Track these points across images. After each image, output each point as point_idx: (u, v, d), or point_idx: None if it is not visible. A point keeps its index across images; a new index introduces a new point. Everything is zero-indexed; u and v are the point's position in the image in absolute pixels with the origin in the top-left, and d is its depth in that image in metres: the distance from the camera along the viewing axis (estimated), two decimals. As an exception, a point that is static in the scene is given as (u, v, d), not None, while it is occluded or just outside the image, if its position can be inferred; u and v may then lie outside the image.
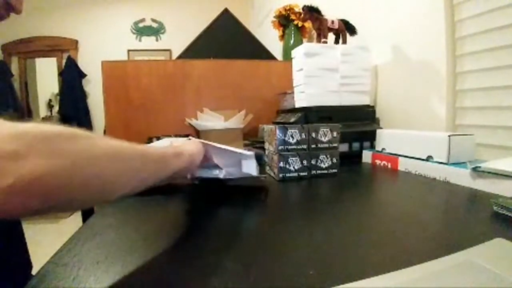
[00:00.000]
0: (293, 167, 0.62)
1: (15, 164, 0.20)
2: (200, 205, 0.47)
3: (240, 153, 0.51)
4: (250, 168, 0.53)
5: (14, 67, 3.38)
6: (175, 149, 0.40)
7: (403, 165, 0.68)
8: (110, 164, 0.27)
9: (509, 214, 0.36)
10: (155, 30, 3.70)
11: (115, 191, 0.28)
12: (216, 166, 0.51)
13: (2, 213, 0.20)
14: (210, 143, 0.51)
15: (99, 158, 0.26)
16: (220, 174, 0.52)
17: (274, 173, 0.64)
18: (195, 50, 1.42)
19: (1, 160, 0.19)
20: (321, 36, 0.96)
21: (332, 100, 0.91)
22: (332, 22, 0.97)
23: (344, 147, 0.82)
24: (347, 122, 0.84)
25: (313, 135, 0.63)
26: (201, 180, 0.54)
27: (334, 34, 1.00)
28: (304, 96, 0.90)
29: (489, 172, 0.49)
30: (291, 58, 0.96)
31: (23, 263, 0.47)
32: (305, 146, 0.62)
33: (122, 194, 0.29)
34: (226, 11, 1.47)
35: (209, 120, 1.04)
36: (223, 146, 0.51)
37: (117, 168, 0.28)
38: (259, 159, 0.66)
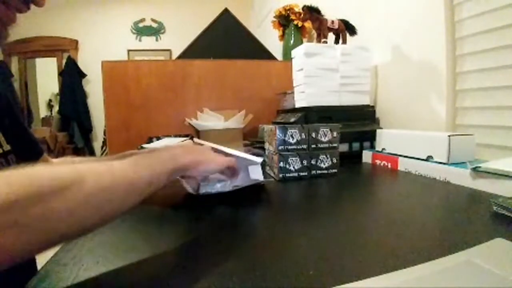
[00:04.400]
0: (293, 167, 0.62)
1: None
2: (200, 205, 0.47)
3: (249, 159, 0.49)
4: (257, 173, 0.51)
5: (14, 67, 3.39)
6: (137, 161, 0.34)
7: (403, 165, 0.68)
8: (89, 209, 0.26)
9: (509, 214, 0.36)
10: (155, 30, 3.70)
11: (103, 223, 0.28)
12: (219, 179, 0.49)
13: None
14: (216, 146, 0.49)
15: (67, 217, 0.25)
16: (225, 187, 0.49)
17: (274, 173, 0.64)
18: (195, 50, 1.42)
19: None
20: (321, 36, 0.96)
21: (332, 100, 0.91)
22: (332, 22, 0.97)
23: (344, 147, 0.82)
24: (347, 122, 0.84)
25: (313, 135, 0.63)
26: (203, 194, 0.50)
27: (334, 34, 1.00)
28: (304, 96, 0.90)
29: (489, 172, 0.49)
30: (291, 58, 0.96)
31: (29, 267, 0.47)
32: (305, 146, 0.62)
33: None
34: (226, 11, 1.47)
35: (209, 120, 1.04)
36: (231, 151, 0.48)
37: (82, 222, 0.26)
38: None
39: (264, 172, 0.67)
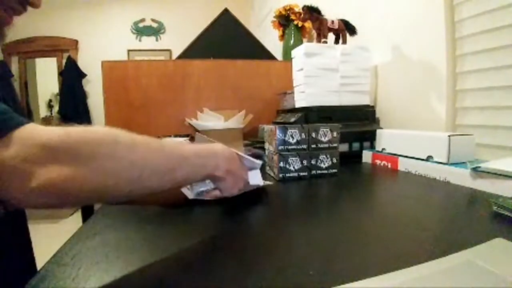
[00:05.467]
0: (293, 167, 0.62)
1: (42, 170, 0.24)
2: (200, 205, 0.47)
3: (251, 161, 0.48)
4: (256, 179, 0.50)
5: (14, 67, 3.38)
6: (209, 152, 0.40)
7: (403, 165, 0.68)
8: (131, 173, 0.29)
9: (509, 214, 0.36)
10: (155, 30, 3.69)
11: (134, 193, 0.31)
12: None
13: (25, 205, 0.26)
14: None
15: (120, 167, 0.28)
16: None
17: (274, 173, 0.64)
18: (195, 50, 1.42)
19: (31, 165, 0.24)
20: (321, 36, 0.96)
21: (332, 100, 0.91)
22: (332, 22, 0.97)
23: (344, 147, 0.82)
24: (347, 122, 0.84)
25: (313, 135, 0.63)
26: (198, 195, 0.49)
27: (334, 34, 1.00)
28: (304, 96, 0.90)
29: (489, 172, 0.49)
30: (291, 58, 0.96)
31: (29, 267, 0.47)
32: (305, 146, 0.62)
33: (145, 193, 0.32)
34: (226, 11, 1.47)
35: (209, 120, 1.04)
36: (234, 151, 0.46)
37: (139, 176, 0.30)
38: (259, 159, 0.64)
39: (264, 173, 0.68)
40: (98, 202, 0.36)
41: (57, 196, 0.26)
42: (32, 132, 0.26)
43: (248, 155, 0.57)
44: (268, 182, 0.56)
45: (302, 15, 1.01)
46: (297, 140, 0.62)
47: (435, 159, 0.61)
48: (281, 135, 0.61)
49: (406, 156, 0.68)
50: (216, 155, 0.41)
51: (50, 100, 3.79)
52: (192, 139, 1.09)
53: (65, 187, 0.25)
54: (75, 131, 0.27)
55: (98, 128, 0.29)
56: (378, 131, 0.80)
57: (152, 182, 0.31)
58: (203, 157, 0.39)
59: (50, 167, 0.24)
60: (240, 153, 0.48)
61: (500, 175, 0.47)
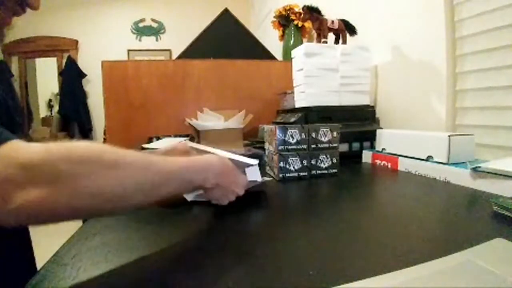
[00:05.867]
0: (293, 167, 0.62)
1: (20, 192, 0.23)
2: (200, 205, 0.47)
3: (246, 162, 0.48)
4: (254, 175, 0.50)
5: (14, 67, 3.38)
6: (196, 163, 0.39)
7: (403, 165, 0.68)
8: (114, 191, 0.28)
9: (509, 214, 0.36)
10: (155, 30, 3.70)
11: (119, 209, 0.31)
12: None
13: (6, 225, 0.24)
14: (212, 150, 0.48)
15: (102, 185, 0.27)
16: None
17: (274, 173, 0.64)
18: (195, 50, 1.42)
19: (9, 186, 0.23)
20: (321, 36, 0.96)
21: (332, 100, 0.91)
22: (332, 22, 0.97)
23: (344, 147, 0.82)
24: (347, 122, 0.84)
25: (313, 135, 0.63)
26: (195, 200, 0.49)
27: (334, 34, 1.00)
28: (304, 96, 0.90)
29: (489, 172, 0.49)
30: (291, 58, 0.96)
31: (29, 267, 0.47)
32: (305, 146, 0.62)
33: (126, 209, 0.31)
34: (226, 11, 1.47)
35: (209, 120, 1.04)
36: (227, 155, 0.46)
37: (123, 193, 0.29)
38: (259, 159, 0.64)
39: (264, 172, 0.68)
40: (82, 218, 0.35)
41: (36, 217, 0.25)
42: (14, 151, 0.25)
43: (248, 155, 0.57)
44: (267, 178, 0.56)
45: (302, 15, 1.01)
46: (297, 140, 0.62)
47: (435, 159, 0.61)
48: (281, 135, 0.61)
49: (406, 156, 0.68)
50: (206, 170, 0.39)
51: (50, 100, 3.79)
52: (192, 139, 1.10)
53: (44, 209, 0.25)
54: (57, 149, 0.26)
55: (81, 144, 0.28)
56: (378, 131, 0.80)
57: (136, 199, 0.30)
58: (191, 172, 0.38)
59: (28, 188, 0.24)
60: (234, 156, 0.47)
61: (500, 175, 0.47)
